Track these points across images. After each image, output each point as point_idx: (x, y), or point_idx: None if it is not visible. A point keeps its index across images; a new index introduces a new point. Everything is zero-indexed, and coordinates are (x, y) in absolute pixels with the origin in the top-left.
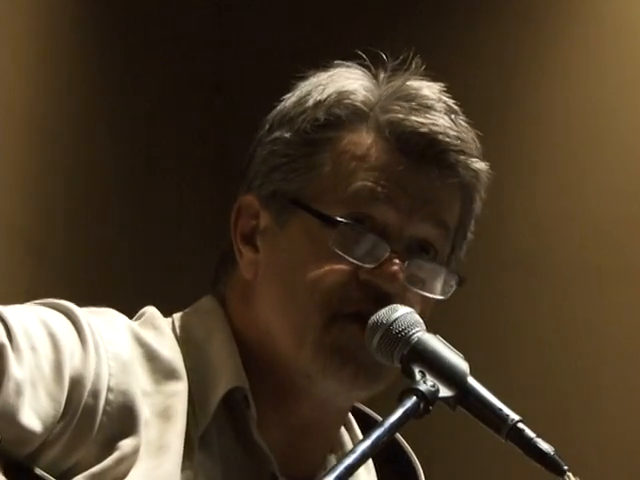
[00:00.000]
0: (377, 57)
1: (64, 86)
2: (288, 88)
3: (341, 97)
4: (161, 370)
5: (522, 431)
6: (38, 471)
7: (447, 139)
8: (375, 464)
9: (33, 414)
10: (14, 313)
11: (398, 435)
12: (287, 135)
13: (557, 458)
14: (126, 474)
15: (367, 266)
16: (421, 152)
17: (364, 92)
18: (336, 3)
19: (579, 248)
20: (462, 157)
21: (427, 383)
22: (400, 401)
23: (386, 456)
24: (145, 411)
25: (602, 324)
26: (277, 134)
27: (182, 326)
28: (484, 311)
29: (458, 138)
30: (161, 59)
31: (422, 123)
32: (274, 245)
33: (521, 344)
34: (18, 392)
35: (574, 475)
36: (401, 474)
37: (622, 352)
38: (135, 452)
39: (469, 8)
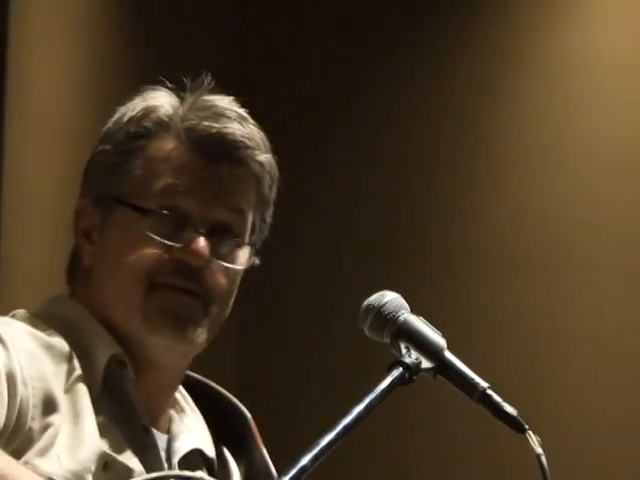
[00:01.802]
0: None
1: (100, 92)
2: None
3: (148, 111)
4: (57, 355)
5: (490, 396)
6: None
7: (234, 138)
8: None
9: None
10: None
11: (216, 386)
12: (107, 147)
13: (519, 419)
14: (58, 441)
15: (176, 245)
16: (213, 150)
17: (167, 107)
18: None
19: (531, 245)
20: (248, 152)
21: (412, 356)
22: (389, 371)
23: (208, 403)
24: (57, 390)
25: (551, 307)
26: (100, 148)
27: (53, 318)
28: (456, 298)
29: (244, 137)
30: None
31: (213, 126)
32: (103, 237)
33: (486, 325)
34: None
35: (534, 434)
36: (225, 412)
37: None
38: (61, 424)
39: (451, 28)
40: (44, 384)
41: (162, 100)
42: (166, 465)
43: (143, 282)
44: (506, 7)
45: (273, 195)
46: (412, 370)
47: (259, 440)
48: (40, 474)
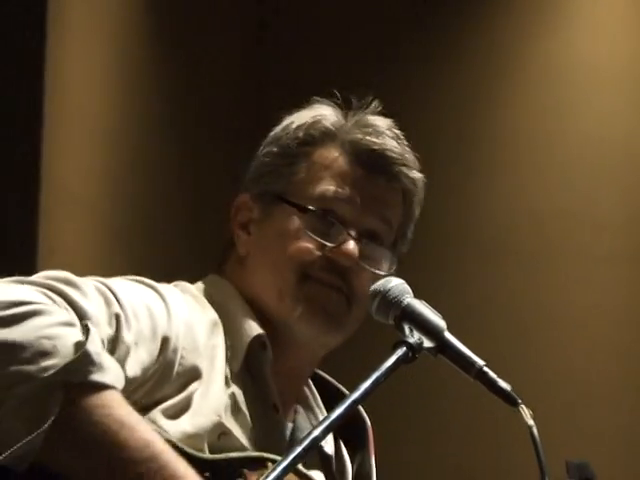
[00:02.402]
0: (348, 98)
1: (135, 95)
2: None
3: (315, 121)
4: (209, 328)
5: (486, 373)
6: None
7: (392, 155)
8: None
9: (136, 366)
10: (119, 286)
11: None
12: (274, 149)
13: (513, 394)
14: (188, 405)
15: (329, 244)
16: (373, 164)
17: (334, 119)
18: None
19: (521, 236)
20: (404, 168)
21: (414, 337)
22: (393, 350)
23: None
24: (204, 362)
25: (539, 293)
26: (268, 149)
27: (208, 294)
28: (455, 284)
29: (401, 154)
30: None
31: (374, 142)
32: (262, 229)
33: (482, 308)
34: (127, 352)
35: (527, 407)
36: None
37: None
38: (196, 391)
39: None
40: (192, 355)
41: (329, 112)
42: (291, 439)
43: (296, 272)
44: (496, 20)
45: (417, 212)
46: (415, 349)
47: (372, 448)
48: (157, 431)
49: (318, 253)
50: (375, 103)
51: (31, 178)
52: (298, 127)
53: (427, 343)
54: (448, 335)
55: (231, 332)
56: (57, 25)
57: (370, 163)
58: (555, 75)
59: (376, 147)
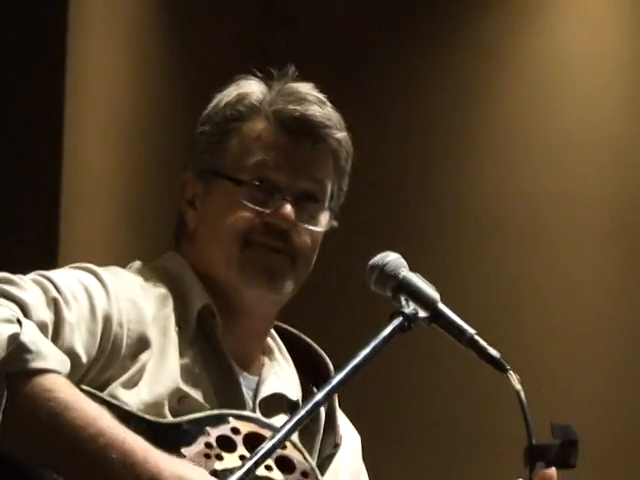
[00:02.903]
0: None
1: (148, 82)
2: None
3: (241, 97)
4: (158, 302)
5: (477, 341)
6: (83, 387)
7: (314, 119)
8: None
9: (83, 344)
10: (58, 275)
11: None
12: (207, 128)
13: (502, 360)
14: (142, 375)
15: (267, 211)
16: (297, 130)
17: (257, 93)
18: None
19: (512, 214)
20: (327, 130)
21: (410, 307)
22: (390, 320)
23: (300, 352)
24: (153, 331)
25: (519, 268)
26: (201, 129)
27: (161, 270)
28: (448, 259)
29: (323, 117)
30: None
31: (296, 109)
32: (205, 204)
33: (473, 281)
34: (72, 331)
35: (515, 373)
36: (313, 361)
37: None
38: (149, 360)
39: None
40: (140, 327)
41: (253, 87)
42: (250, 403)
43: (239, 239)
44: (487, 13)
45: (348, 167)
46: (410, 319)
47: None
48: (117, 403)
49: (257, 220)
50: (293, 69)
51: (54, 159)
52: (226, 105)
53: (422, 313)
54: (441, 306)
55: (182, 303)
56: (78, 11)
57: (295, 129)
58: (543, 64)
59: (297, 113)
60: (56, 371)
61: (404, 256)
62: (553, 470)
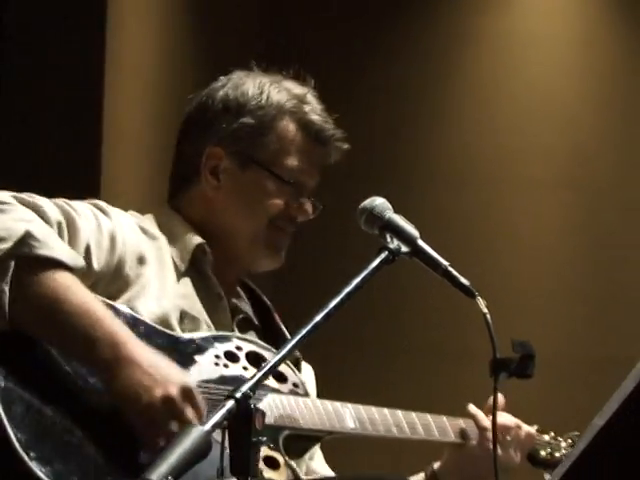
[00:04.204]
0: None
1: (176, 56)
2: None
3: (284, 100)
4: (149, 235)
5: (450, 272)
6: (103, 299)
7: (333, 134)
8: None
9: (93, 253)
10: (71, 202)
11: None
12: (250, 121)
13: (471, 287)
14: (146, 291)
15: (294, 205)
16: (320, 140)
17: (295, 100)
18: None
19: (480, 165)
20: (338, 144)
21: (394, 243)
22: (378, 254)
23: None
24: (151, 257)
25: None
26: (241, 120)
27: (155, 217)
28: (427, 202)
29: (337, 132)
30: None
31: (324, 127)
32: (234, 181)
33: (449, 222)
34: (84, 236)
35: (482, 298)
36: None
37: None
38: (150, 277)
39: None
40: (140, 250)
41: (291, 92)
42: (233, 322)
43: (267, 219)
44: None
45: None
46: (394, 253)
47: (278, 318)
48: (136, 311)
49: (284, 209)
50: (312, 82)
51: (95, 123)
52: (269, 104)
53: (404, 248)
54: (421, 242)
55: (177, 242)
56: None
57: (319, 140)
58: (506, 41)
59: (325, 130)
60: (62, 262)
61: (389, 200)
62: (501, 397)
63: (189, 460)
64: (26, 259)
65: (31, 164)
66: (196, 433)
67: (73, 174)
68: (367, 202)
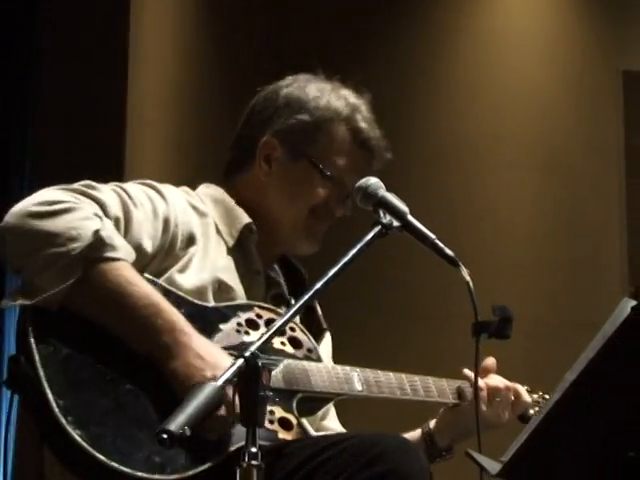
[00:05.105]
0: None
1: (196, 55)
2: None
3: (339, 106)
4: (199, 212)
5: (437, 244)
6: (146, 275)
7: (379, 144)
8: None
9: (147, 240)
10: (128, 186)
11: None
12: (306, 118)
13: (455, 257)
14: (190, 264)
15: (335, 200)
16: (368, 148)
17: (348, 108)
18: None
19: (462, 150)
20: (384, 153)
21: (386, 219)
22: (372, 228)
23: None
24: (198, 233)
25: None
26: (299, 117)
27: (203, 194)
28: (416, 182)
29: (383, 143)
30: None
31: (372, 137)
32: (284, 170)
33: (435, 199)
34: (139, 228)
35: (465, 267)
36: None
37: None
38: (196, 252)
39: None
40: (189, 227)
41: (345, 100)
42: (267, 296)
43: (310, 209)
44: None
45: None
46: (387, 227)
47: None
48: (171, 289)
49: (325, 202)
50: (369, 95)
51: (119, 110)
52: (327, 107)
53: (395, 223)
54: (410, 217)
55: (227, 219)
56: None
57: (365, 146)
58: (488, 35)
59: (372, 139)
60: (125, 259)
61: (382, 180)
62: (493, 360)
63: (203, 412)
64: (93, 259)
65: (64, 149)
66: (209, 388)
67: (100, 158)
68: (362, 182)
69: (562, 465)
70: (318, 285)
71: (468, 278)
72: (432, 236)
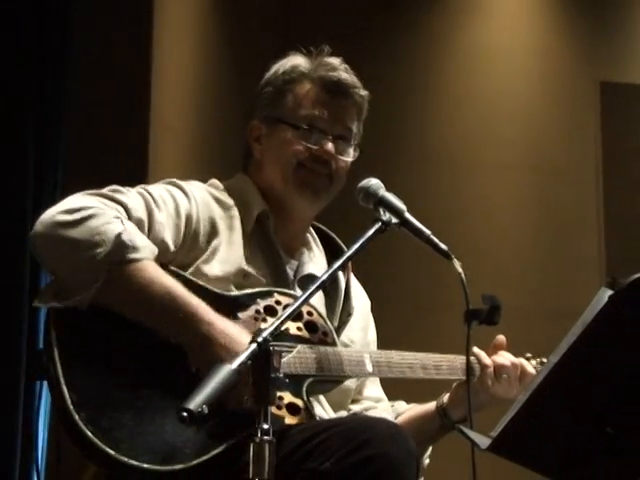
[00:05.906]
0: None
1: (218, 59)
2: None
3: (294, 67)
4: (223, 205)
5: (432, 239)
6: (171, 267)
7: (346, 82)
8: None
9: (170, 237)
10: (152, 187)
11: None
12: (270, 89)
13: (449, 251)
14: (215, 256)
15: (315, 147)
16: (335, 90)
17: (305, 64)
18: None
19: (456, 149)
20: (354, 90)
21: (386, 216)
22: (372, 225)
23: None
24: (222, 226)
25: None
26: (265, 90)
27: (228, 187)
28: (414, 182)
29: (351, 81)
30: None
31: (333, 75)
32: (269, 140)
33: (431, 197)
34: (162, 228)
35: (458, 260)
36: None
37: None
38: (219, 245)
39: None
40: (212, 221)
41: (300, 60)
42: (292, 279)
43: (294, 163)
44: (439, 13)
45: (365, 113)
46: (386, 224)
47: (350, 271)
48: (194, 279)
49: (307, 152)
50: (328, 48)
51: (142, 116)
52: (283, 72)
53: (394, 220)
54: (408, 215)
55: (246, 208)
56: (162, 8)
57: (333, 90)
58: (475, 50)
59: (335, 79)
60: (148, 258)
61: (381, 181)
62: (503, 338)
63: (219, 392)
64: (117, 262)
65: (92, 151)
66: (225, 370)
67: (124, 159)
68: (364, 182)
69: (546, 440)
70: (324, 277)
71: (460, 270)
72: (427, 232)
